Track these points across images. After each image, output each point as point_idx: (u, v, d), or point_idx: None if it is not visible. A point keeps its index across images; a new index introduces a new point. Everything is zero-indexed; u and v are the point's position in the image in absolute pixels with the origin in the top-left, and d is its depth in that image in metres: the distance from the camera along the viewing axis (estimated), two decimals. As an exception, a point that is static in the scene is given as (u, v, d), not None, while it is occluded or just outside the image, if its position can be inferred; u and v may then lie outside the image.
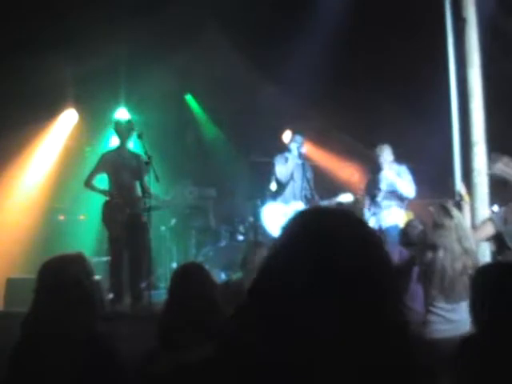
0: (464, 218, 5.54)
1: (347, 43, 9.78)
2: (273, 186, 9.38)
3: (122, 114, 11.09)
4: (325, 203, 9.10)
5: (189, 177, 11.83)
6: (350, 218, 1.42)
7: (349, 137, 12.49)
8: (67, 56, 10.02)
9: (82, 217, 11.29)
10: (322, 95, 10.83)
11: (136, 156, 8.58)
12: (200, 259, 10.16)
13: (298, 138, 9.31)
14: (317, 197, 9.30)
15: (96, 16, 9.58)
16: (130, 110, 11.33)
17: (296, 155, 9.15)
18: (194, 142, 13.28)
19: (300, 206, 9.11)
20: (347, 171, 12.90)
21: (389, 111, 10.65)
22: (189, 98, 13.22)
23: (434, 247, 5.08)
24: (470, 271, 4.95)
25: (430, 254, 5.09)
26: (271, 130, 10.35)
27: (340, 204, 9.07)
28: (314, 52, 10.26)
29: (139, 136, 8.32)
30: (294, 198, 9.19)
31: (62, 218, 11.36)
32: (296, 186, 9.26)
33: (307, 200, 9.25)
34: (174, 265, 10.55)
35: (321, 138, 12.54)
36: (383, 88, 10.43)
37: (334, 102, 11.15)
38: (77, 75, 10.79)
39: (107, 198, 8.39)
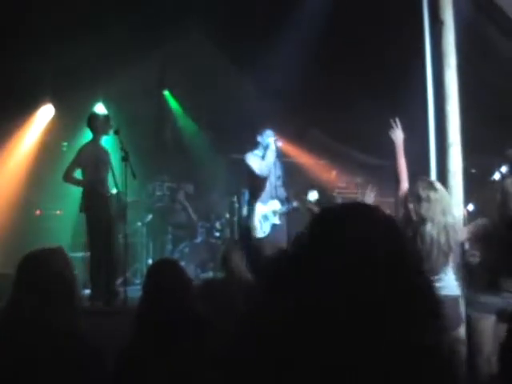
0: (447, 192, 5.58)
1: (325, 43, 9.81)
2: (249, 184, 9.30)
3: (99, 109, 11.05)
4: (296, 203, 9.13)
5: (166, 173, 11.84)
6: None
7: (326, 135, 12.55)
8: (44, 51, 9.95)
9: (58, 212, 11.26)
10: (300, 94, 10.87)
11: (107, 152, 8.59)
12: (176, 255, 10.17)
13: (270, 132, 9.19)
14: (288, 195, 9.30)
15: (74, 11, 9.53)
16: (108, 105, 11.29)
17: (274, 149, 9.09)
18: (172, 138, 13.27)
19: (276, 204, 9.12)
20: (324, 169, 12.98)
21: (366, 111, 10.70)
22: (167, 94, 13.20)
23: (420, 221, 5.13)
24: (444, 247, 5.05)
25: (414, 229, 5.15)
26: (249, 128, 10.37)
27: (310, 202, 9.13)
28: (292, 51, 10.28)
29: (116, 132, 8.31)
30: (271, 197, 9.15)
31: (38, 213, 11.32)
32: (270, 184, 9.21)
33: (281, 199, 9.22)
34: (150, 261, 10.56)
35: (299, 136, 12.58)
36: (361, 88, 10.48)
37: (313, 101, 11.19)
38: (54, 70, 10.73)
39: (88, 189, 8.33)
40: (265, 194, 9.11)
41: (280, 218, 9.10)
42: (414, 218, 5.20)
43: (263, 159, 9.02)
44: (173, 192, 11.53)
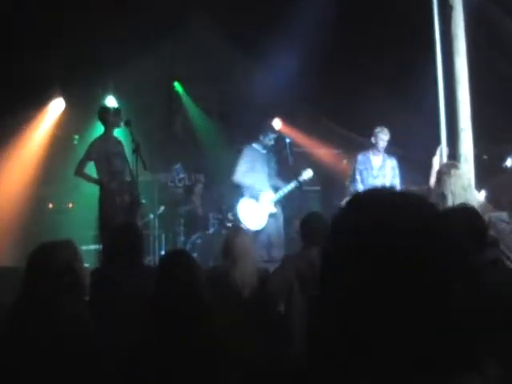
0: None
1: (335, 30, 9.77)
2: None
3: (110, 101, 11.05)
4: (292, 184, 9.36)
5: (177, 163, 11.83)
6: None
7: (337, 124, 12.51)
8: (54, 45, 9.96)
9: (70, 205, 11.29)
10: (311, 82, 10.84)
11: (120, 142, 8.57)
12: (188, 247, 10.17)
13: (272, 136, 9.62)
14: (281, 183, 9.56)
15: (84, 4, 9.54)
16: (118, 97, 11.30)
17: (267, 147, 9.55)
18: (183, 129, 13.27)
19: (270, 195, 9.43)
20: (335, 158, 12.94)
21: (377, 99, 10.66)
22: (177, 85, 13.18)
23: (442, 196, 5.09)
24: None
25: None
26: (259, 117, 10.36)
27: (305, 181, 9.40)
28: (302, 39, 10.24)
29: (127, 123, 8.28)
30: (266, 187, 9.47)
31: (50, 206, 11.36)
32: (261, 176, 9.48)
33: (275, 188, 9.52)
34: (163, 252, 10.57)
35: (310, 125, 12.56)
36: (372, 76, 10.45)
37: (324, 90, 11.16)
38: (64, 64, 10.74)
39: (102, 186, 8.31)
40: (256, 187, 9.40)
41: (276, 206, 9.48)
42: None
43: (253, 171, 9.40)
44: (189, 185, 11.54)
